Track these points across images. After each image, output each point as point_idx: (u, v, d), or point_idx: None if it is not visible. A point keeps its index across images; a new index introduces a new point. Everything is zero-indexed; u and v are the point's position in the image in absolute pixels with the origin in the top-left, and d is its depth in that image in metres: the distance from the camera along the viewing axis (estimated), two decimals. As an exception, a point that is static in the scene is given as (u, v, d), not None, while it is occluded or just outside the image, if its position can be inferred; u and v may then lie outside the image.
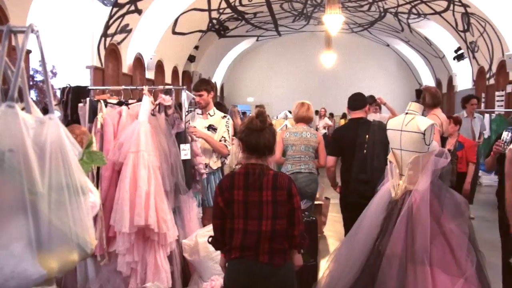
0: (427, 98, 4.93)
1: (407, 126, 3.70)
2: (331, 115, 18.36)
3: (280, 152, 5.40)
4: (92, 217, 2.03)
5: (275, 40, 23.18)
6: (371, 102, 8.62)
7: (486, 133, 10.41)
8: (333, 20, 11.09)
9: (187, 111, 4.73)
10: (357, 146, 4.56)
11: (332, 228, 7.02)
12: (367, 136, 4.55)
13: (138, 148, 3.76)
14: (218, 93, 22.82)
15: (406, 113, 3.83)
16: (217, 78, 22.35)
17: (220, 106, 6.66)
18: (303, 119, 5.38)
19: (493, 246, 4.54)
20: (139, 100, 4.15)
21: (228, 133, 5.08)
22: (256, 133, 2.80)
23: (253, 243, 2.75)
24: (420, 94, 4.00)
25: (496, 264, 4.25)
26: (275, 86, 23.75)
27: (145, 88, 4.14)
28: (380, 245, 3.57)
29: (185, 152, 4.19)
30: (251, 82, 24.23)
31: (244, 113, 19.74)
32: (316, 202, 6.02)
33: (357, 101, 4.84)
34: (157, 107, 4.05)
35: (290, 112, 12.00)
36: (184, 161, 4.17)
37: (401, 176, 3.70)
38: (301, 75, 23.52)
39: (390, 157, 3.81)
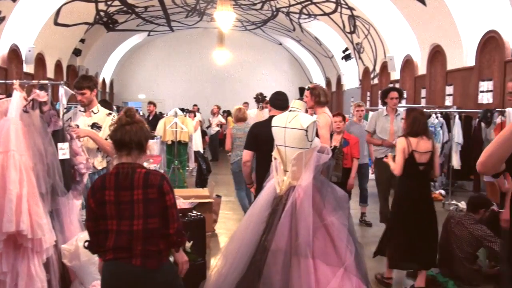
0: (322, 97, 5.08)
1: (291, 123, 3.78)
2: (227, 113, 18.22)
3: (230, 143, 7.35)
4: None
5: (167, 35, 22.79)
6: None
7: None
8: (225, 17, 11.13)
9: (66, 108, 4.43)
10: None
11: (224, 226, 7.03)
12: None
13: (8, 148, 3.45)
14: (107, 90, 21.91)
15: (290, 110, 3.92)
16: (106, 74, 21.42)
17: (106, 103, 6.36)
18: (242, 119, 7.51)
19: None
20: (10, 95, 3.80)
21: None
22: (122, 128, 2.74)
23: (125, 244, 2.68)
24: (303, 92, 4.10)
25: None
26: (167, 82, 23.37)
27: (16, 82, 3.80)
28: (265, 240, 3.63)
29: (63, 151, 3.92)
30: (142, 78, 23.61)
31: (136, 111, 19.16)
32: (205, 200, 5.98)
33: (282, 101, 4.77)
34: (31, 103, 3.73)
35: (182, 110, 11.88)
36: (63, 161, 3.90)
37: (285, 172, 3.77)
38: (194, 72, 23.36)
39: (274, 153, 3.88)
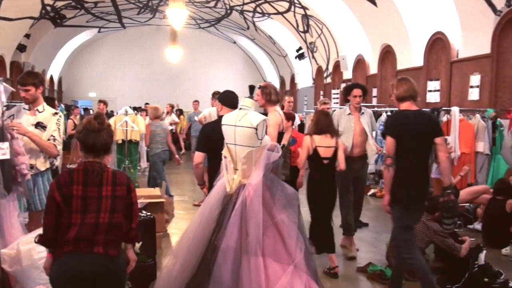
0: (273, 95, 5.10)
1: (241, 122, 3.76)
2: (180, 112, 17.98)
3: (148, 138, 8.39)
4: None
5: (119, 32, 22.32)
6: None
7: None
8: (177, 14, 10.97)
9: (6, 106, 4.22)
10: None
11: (177, 226, 6.94)
12: None
13: None
14: (56, 88, 21.20)
15: (240, 109, 3.89)
16: (54, 71, 20.66)
17: (52, 101, 6.11)
18: (158, 117, 8.71)
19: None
20: None
21: (59, 132, 4.63)
22: (93, 134, 2.89)
23: (88, 235, 2.80)
24: (253, 90, 4.08)
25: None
26: (119, 81, 22.89)
27: None
28: (216, 239, 3.60)
29: (3, 151, 3.76)
30: (93, 76, 23.02)
31: (86, 110, 18.65)
32: (157, 200, 5.87)
33: (233, 99, 4.72)
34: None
35: (133, 108, 11.63)
36: (2, 161, 3.73)
37: (235, 170, 3.74)
38: (147, 70, 22.99)
39: (224, 152, 3.84)
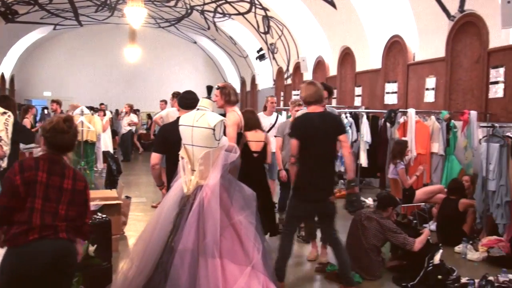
0: (232, 96, 5.07)
1: (198, 122, 3.73)
2: (136, 112, 17.59)
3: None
4: None
5: (76, 30, 21.78)
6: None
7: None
8: (136, 13, 10.80)
9: None
10: None
11: (134, 228, 6.79)
12: None
13: None
14: (7, 86, 20.40)
15: (197, 109, 3.85)
16: (5, 69, 19.83)
17: (6, 100, 5.85)
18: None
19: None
20: None
21: (7, 132, 4.46)
22: (60, 136, 2.99)
23: (51, 222, 2.91)
24: (211, 91, 4.04)
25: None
26: (75, 80, 22.33)
27: None
28: (172, 241, 3.56)
29: None
30: (48, 75, 22.34)
31: (44, 109, 18.09)
32: (114, 202, 5.74)
33: (190, 99, 4.68)
34: None
35: (90, 108, 11.35)
36: None
37: (193, 171, 3.70)
38: (105, 69, 22.52)
39: (182, 153, 3.80)
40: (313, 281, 5.21)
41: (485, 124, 6.87)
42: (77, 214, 3.03)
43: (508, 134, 6.28)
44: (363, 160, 9.19)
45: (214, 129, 3.66)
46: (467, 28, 8.32)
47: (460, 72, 8.62)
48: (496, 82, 7.73)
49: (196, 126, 3.72)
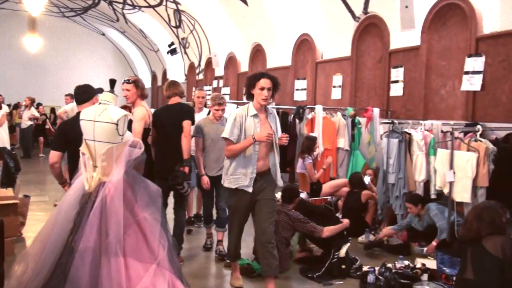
0: (145, 90, 5.06)
1: (100, 117, 3.58)
2: (38, 105, 16.56)
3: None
4: None
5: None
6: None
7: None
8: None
9: None
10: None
11: (34, 229, 6.36)
12: None
13: None
14: None
15: (100, 103, 3.69)
16: None
17: None
18: None
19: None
20: None
21: None
22: None
23: None
24: (114, 84, 3.88)
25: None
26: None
27: None
28: (73, 241, 3.38)
29: None
30: None
31: None
32: (8, 202, 5.36)
33: (84, 93, 4.46)
34: None
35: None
36: None
37: (95, 168, 3.54)
38: (2, 59, 20.90)
39: (83, 148, 3.62)
40: (224, 276, 5.20)
41: (385, 121, 7.25)
42: None
43: (406, 130, 6.68)
44: (273, 155, 9.33)
45: (117, 124, 3.52)
46: (370, 29, 8.73)
47: (364, 71, 9.03)
48: (397, 81, 8.19)
49: (98, 120, 3.56)
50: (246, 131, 4.41)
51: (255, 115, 4.46)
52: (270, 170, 4.64)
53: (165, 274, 3.34)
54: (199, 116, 6.35)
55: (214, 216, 5.92)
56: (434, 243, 5.67)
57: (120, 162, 3.47)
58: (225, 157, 4.52)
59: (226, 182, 4.50)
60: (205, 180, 5.57)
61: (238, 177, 4.43)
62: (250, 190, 4.42)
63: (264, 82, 4.41)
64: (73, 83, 5.89)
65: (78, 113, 4.07)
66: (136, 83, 4.98)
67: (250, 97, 4.55)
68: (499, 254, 3.30)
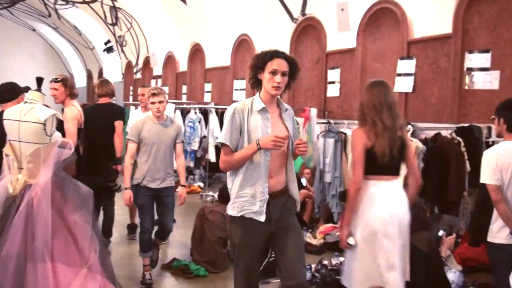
0: (75, 89, 4.94)
1: (26, 116, 3.43)
2: None
3: None
4: None
5: None
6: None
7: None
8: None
9: None
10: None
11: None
12: None
13: None
14: None
15: (25, 102, 3.52)
16: None
17: None
18: None
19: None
20: None
21: None
22: None
23: None
24: (42, 82, 3.73)
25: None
26: None
27: None
28: (-2, 247, 3.18)
29: None
30: None
31: None
32: None
33: (8, 92, 4.34)
34: None
35: None
36: None
37: (20, 170, 3.37)
38: None
39: (6, 149, 3.44)
40: (161, 277, 5.10)
41: (322, 121, 7.39)
42: None
43: (342, 130, 6.83)
44: (212, 155, 9.29)
45: (45, 124, 3.37)
46: (308, 30, 8.86)
47: (302, 72, 8.99)
48: (333, 82, 8.37)
49: (24, 120, 3.40)
50: (251, 133, 3.07)
51: (264, 110, 3.11)
52: (287, 189, 3.22)
53: (96, 278, 3.23)
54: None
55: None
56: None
57: (48, 164, 3.32)
58: (224, 171, 3.29)
59: (230, 208, 3.15)
60: (127, 195, 4.43)
61: (243, 200, 3.07)
62: (262, 218, 3.04)
63: (278, 64, 3.05)
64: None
65: (1, 112, 3.88)
66: (65, 82, 4.83)
67: (257, 84, 3.18)
68: (425, 249, 3.43)
